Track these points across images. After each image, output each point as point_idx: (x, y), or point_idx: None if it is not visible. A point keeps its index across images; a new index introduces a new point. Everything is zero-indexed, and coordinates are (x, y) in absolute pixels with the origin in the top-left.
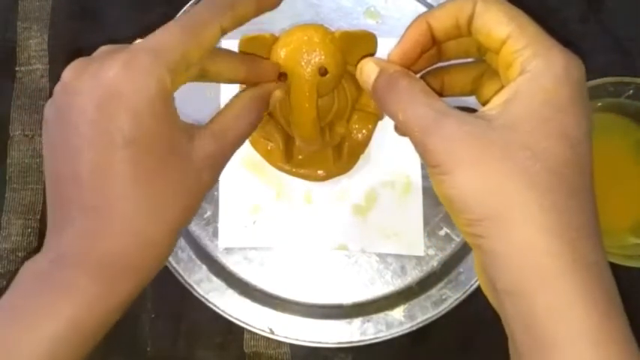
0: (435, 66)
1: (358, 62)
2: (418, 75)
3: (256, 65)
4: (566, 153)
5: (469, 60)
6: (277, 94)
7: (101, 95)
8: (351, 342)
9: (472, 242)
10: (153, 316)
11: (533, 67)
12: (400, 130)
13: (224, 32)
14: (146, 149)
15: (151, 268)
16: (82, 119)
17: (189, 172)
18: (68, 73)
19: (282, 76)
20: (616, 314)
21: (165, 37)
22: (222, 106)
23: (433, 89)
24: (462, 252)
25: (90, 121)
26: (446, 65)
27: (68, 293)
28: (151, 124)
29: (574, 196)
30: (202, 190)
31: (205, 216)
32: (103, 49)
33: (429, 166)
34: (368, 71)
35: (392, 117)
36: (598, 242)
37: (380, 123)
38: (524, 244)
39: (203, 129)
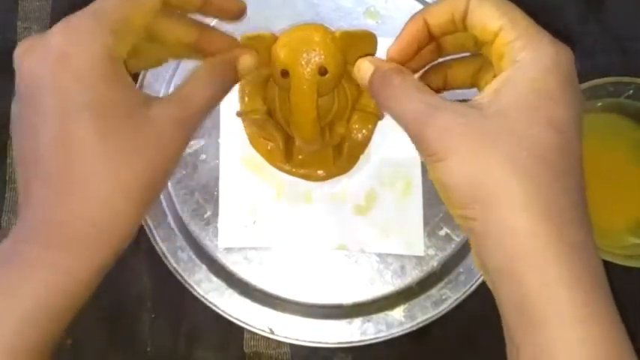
0: (436, 61)
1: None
2: (421, 71)
3: (209, 32)
4: (553, 139)
5: (468, 54)
6: (246, 59)
7: (46, 63)
8: (351, 342)
9: (464, 225)
10: (153, 316)
11: (523, 58)
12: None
13: (166, 1)
14: (98, 113)
15: (118, 238)
16: (32, 90)
17: (149, 137)
18: (17, 50)
19: (283, 74)
20: (600, 292)
21: (106, 1)
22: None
23: (436, 84)
24: (462, 252)
25: (38, 90)
26: (447, 60)
27: (30, 270)
28: (99, 87)
29: (559, 180)
30: (168, 156)
31: (205, 216)
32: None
33: (425, 156)
34: (364, 70)
35: (388, 112)
36: (584, 224)
37: (380, 123)
38: (510, 225)
39: (164, 97)
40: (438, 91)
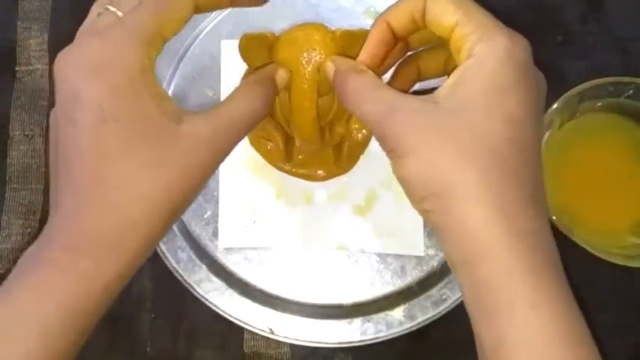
0: (407, 55)
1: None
2: (394, 66)
3: None
4: (507, 133)
5: (436, 44)
6: (281, 73)
7: (83, 74)
8: (351, 342)
9: (425, 218)
10: (153, 316)
11: (478, 52)
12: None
13: (198, 7)
14: (126, 126)
15: (134, 250)
16: (68, 101)
17: (176, 154)
18: (58, 59)
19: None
20: (554, 279)
21: (139, 12)
22: None
23: (409, 77)
24: None
25: (73, 101)
26: (418, 52)
27: (56, 276)
28: (130, 100)
29: (513, 173)
30: (195, 174)
31: (205, 216)
32: (81, 32)
33: (387, 152)
34: (327, 70)
35: (352, 112)
36: (538, 214)
37: None
38: (464, 217)
39: (198, 113)
40: (412, 82)
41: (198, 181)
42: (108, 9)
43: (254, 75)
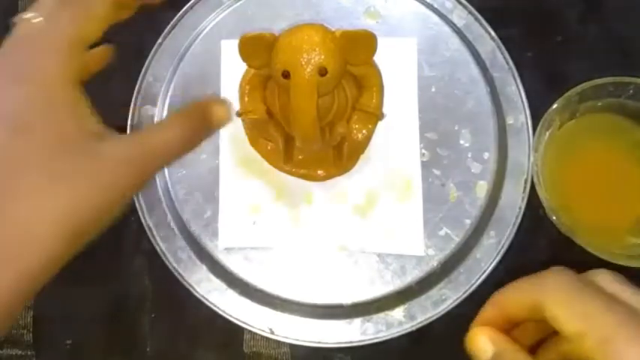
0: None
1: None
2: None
3: None
4: None
5: None
6: (220, 109)
7: (2, 79)
8: (351, 342)
9: None
10: (153, 316)
11: None
12: None
13: (117, 2)
14: (40, 138)
15: (35, 267)
16: None
17: (87, 172)
18: None
19: (284, 74)
20: None
21: (58, 17)
22: None
23: None
24: (462, 252)
25: None
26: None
27: None
28: (47, 112)
29: None
30: (108, 195)
31: (205, 216)
32: (6, 40)
33: None
34: (480, 348)
35: None
36: None
37: (380, 123)
38: None
39: (123, 135)
40: None
41: (112, 202)
42: (27, 16)
43: (189, 106)
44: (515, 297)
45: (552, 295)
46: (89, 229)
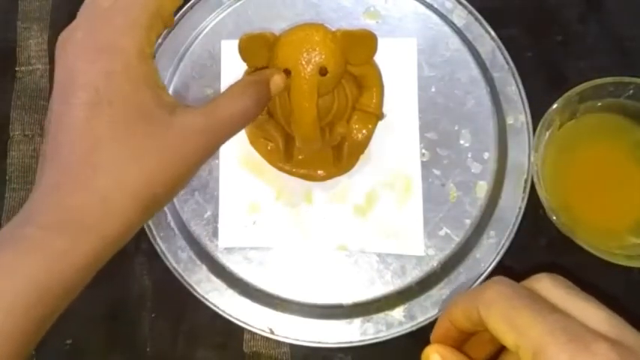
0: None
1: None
2: None
3: None
4: None
5: None
6: (277, 79)
7: (81, 58)
8: (351, 342)
9: None
10: (153, 316)
11: None
12: None
13: None
14: (119, 111)
15: (113, 234)
16: (65, 82)
17: (163, 144)
18: (59, 41)
19: (286, 73)
20: None
21: None
22: None
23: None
24: (462, 252)
25: (70, 82)
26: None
27: (26, 251)
28: (125, 86)
29: None
30: (181, 166)
31: (205, 216)
32: (82, 11)
33: None
34: None
35: None
36: None
37: (380, 123)
38: None
39: (192, 107)
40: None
41: (184, 174)
42: None
43: (251, 76)
44: (461, 310)
45: (490, 307)
46: (163, 199)
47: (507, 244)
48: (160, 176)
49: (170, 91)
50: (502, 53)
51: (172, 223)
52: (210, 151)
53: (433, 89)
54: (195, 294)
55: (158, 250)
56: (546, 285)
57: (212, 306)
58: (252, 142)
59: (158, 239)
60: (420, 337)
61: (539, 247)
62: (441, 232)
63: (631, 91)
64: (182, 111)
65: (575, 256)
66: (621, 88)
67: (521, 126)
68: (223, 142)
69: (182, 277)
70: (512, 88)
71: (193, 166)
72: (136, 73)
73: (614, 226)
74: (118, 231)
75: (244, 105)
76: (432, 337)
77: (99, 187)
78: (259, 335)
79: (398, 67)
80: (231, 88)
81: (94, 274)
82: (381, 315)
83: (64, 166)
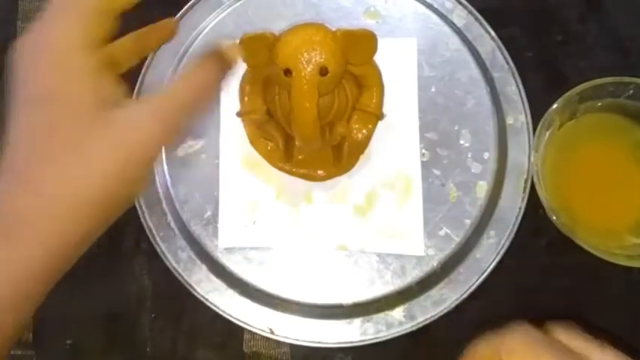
0: None
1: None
2: None
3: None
4: None
5: None
6: (231, 47)
7: (25, 51)
8: (351, 342)
9: None
10: (153, 316)
11: None
12: None
13: None
14: (58, 105)
15: (60, 240)
16: (13, 81)
17: (108, 139)
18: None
19: (286, 73)
20: None
21: None
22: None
23: None
24: (462, 252)
25: (14, 79)
26: None
27: None
28: (64, 79)
29: None
30: (138, 156)
31: (205, 216)
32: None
33: None
34: None
35: None
36: None
37: (380, 123)
38: None
39: (140, 98)
40: None
41: (141, 163)
42: None
43: (201, 55)
44: (483, 351)
45: (513, 355)
46: (119, 192)
47: (507, 244)
48: (111, 173)
49: None
50: (502, 53)
51: (172, 223)
52: (170, 132)
53: (433, 89)
54: (195, 294)
55: (158, 250)
56: (563, 332)
57: (212, 306)
58: (252, 142)
59: (158, 239)
60: (420, 337)
61: (539, 247)
62: (441, 232)
63: (631, 91)
64: (129, 101)
65: (575, 256)
66: (621, 88)
67: (521, 126)
68: (186, 119)
69: (182, 277)
70: (512, 88)
71: (153, 152)
72: (74, 66)
73: (614, 226)
74: (66, 236)
75: (197, 84)
76: None
77: (44, 193)
78: (259, 335)
79: (398, 67)
80: (183, 71)
81: (54, 280)
82: (381, 315)
83: (9, 168)
